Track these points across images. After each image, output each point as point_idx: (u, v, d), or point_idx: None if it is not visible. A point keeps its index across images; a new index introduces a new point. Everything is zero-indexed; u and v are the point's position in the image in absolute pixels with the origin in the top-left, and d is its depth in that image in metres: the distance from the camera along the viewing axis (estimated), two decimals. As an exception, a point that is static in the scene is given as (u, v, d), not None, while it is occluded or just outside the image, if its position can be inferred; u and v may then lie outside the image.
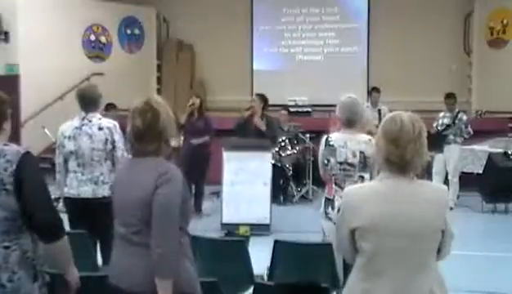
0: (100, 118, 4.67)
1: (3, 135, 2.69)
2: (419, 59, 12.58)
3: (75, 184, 4.63)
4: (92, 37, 12.89)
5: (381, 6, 12.93)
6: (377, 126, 2.74)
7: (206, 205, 8.36)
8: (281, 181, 9.29)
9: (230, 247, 4.17)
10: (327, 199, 4.33)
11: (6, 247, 2.51)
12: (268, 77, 13.32)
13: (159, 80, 13.94)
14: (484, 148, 9.64)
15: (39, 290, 2.58)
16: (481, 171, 9.11)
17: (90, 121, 4.63)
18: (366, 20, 13.26)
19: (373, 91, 10.00)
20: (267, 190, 7.43)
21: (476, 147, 9.62)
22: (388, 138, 2.35)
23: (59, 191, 4.82)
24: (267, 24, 13.70)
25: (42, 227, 2.54)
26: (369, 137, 4.20)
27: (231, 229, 7.11)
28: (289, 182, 9.54)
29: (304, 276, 3.74)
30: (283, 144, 9.48)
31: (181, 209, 2.60)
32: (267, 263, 4.04)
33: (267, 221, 7.31)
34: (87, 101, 4.66)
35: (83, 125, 4.63)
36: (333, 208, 4.21)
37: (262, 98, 8.44)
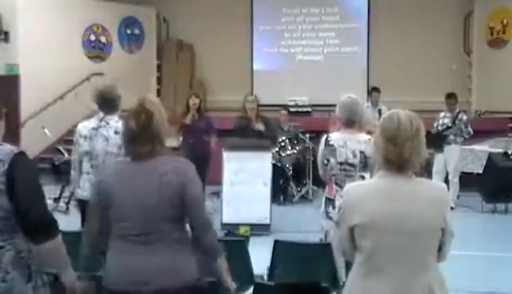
0: (117, 121, 4.51)
1: None
2: (419, 59, 12.58)
3: (88, 186, 4.53)
4: (92, 37, 12.89)
5: (381, 6, 12.94)
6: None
7: (206, 205, 8.35)
8: (281, 181, 9.29)
9: (230, 247, 4.16)
10: (328, 199, 4.33)
11: (0, 247, 2.50)
12: (268, 77, 13.33)
13: (159, 80, 13.95)
14: (484, 148, 9.64)
15: (33, 291, 2.56)
16: (481, 171, 9.11)
17: (107, 123, 4.55)
18: (366, 20, 13.26)
19: (373, 91, 10.01)
20: (267, 190, 7.43)
21: (476, 147, 9.62)
22: (385, 136, 2.36)
23: (72, 188, 4.79)
24: (267, 24, 13.70)
25: (34, 227, 2.52)
26: (369, 137, 4.20)
27: (231, 229, 7.11)
28: (289, 182, 9.54)
29: (304, 276, 3.74)
30: (283, 144, 9.48)
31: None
32: (267, 263, 4.04)
33: (267, 221, 7.31)
34: (106, 102, 4.56)
35: (100, 126, 4.57)
36: (333, 208, 4.22)
37: (256, 99, 8.48)
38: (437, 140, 8.54)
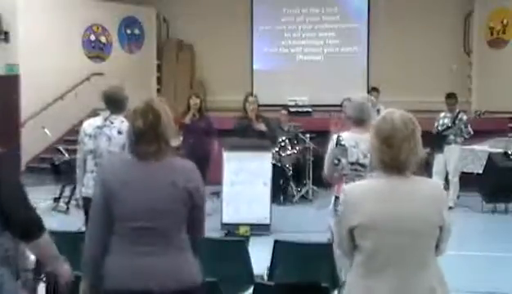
0: (122, 121, 4.51)
1: None
2: (419, 59, 12.58)
3: (92, 184, 4.53)
4: (92, 37, 12.90)
5: (381, 6, 12.94)
6: None
7: (206, 205, 8.35)
8: (281, 181, 9.29)
9: (230, 247, 4.17)
10: (337, 198, 4.31)
11: None
12: (268, 77, 13.34)
13: (159, 80, 13.96)
14: (484, 148, 9.64)
15: (21, 288, 2.57)
16: (481, 171, 9.11)
17: (112, 123, 4.57)
18: (366, 20, 13.27)
19: (372, 91, 10.00)
20: (267, 190, 7.43)
21: (476, 147, 9.62)
22: (380, 138, 2.35)
23: (78, 185, 4.81)
24: (267, 24, 13.71)
25: (20, 226, 2.52)
26: None
27: (231, 229, 7.10)
28: (289, 182, 9.53)
29: (304, 276, 3.74)
30: (283, 144, 9.48)
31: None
32: (267, 263, 4.04)
33: (267, 221, 7.30)
34: (112, 102, 4.59)
35: (104, 125, 4.58)
36: None
37: (257, 99, 8.47)
38: (437, 140, 8.54)
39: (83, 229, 4.74)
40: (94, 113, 4.84)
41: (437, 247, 2.40)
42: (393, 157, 2.32)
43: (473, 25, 12.64)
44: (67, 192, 8.52)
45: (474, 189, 8.90)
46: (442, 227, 2.37)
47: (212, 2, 13.42)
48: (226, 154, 7.61)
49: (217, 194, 8.07)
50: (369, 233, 2.34)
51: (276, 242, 4.07)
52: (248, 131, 8.15)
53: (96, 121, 4.65)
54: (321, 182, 8.91)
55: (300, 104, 12.53)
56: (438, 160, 8.65)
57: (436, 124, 8.74)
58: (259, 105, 8.46)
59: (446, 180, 8.62)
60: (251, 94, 9.01)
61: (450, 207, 8.24)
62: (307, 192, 9.63)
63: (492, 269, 6.06)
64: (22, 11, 11.56)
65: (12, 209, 2.50)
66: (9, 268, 2.53)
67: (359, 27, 13.32)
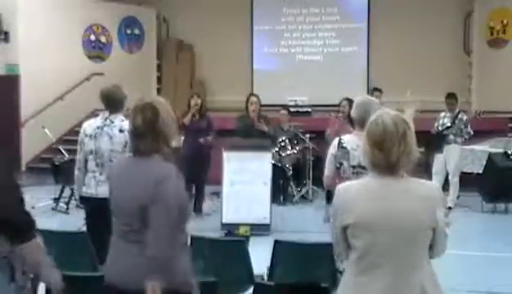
0: (122, 120, 4.56)
1: None
2: (419, 59, 12.58)
3: (93, 184, 4.60)
4: (92, 37, 12.90)
5: (381, 6, 12.94)
6: None
7: (206, 205, 8.36)
8: (281, 181, 9.29)
9: (230, 247, 4.17)
10: (329, 191, 4.28)
11: None
12: (268, 77, 13.34)
13: (159, 80, 13.95)
14: (484, 148, 9.64)
15: (19, 291, 2.55)
16: (481, 171, 9.11)
17: (112, 122, 4.59)
18: (366, 20, 13.27)
19: (374, 91, 9.94)
20: (267, 190, 7.43)
21: (476, 147, 9.62)
22: (371, 141, 2.36)
23: (77, 187, 4.81)
24: (267, 24, 13.71)
25: (11, 228, 2.51)
26: None
27: (231, 229, 7.10)
28: (289, 182, 9.53)
29: (304, 276, 3.74)
30: (283, 144, 9.48)
31: (179, 208, 2.61)
32: (267, 263, 4.04)
33: (267, 221, 7.30)
34: (111, 102, 4.60)
35: (104, 125, 4.60)
36: None
37: (259, 99, 8.48)
38: (437, 140, 8.53)
39: (83, 228, 4.76)
40: (94, 114, 4.84)
41: (431, 248, 2.40)
42: (384, 159, 2.33)
43: (473, 25, 12.65)
44: (67, 192, 8.52)
45: (474, 189, 8.90)
46: (436, 228, 2.36)
47: (212, 2, 13.42)
48: (226, 154, 7.61)
49: (217, 194, 8.08)
50: (360, 232, 2.35)
51: (276, 242, 4.07)
52: (250, 132, 8.16)
53: (96, 121, 4.66)
54: (321, 182, 8.94)
55: (300, 104, 12.53)
56: (438, 160, 8.64)
57: (436, 124, 8.74)
58: (261, 105, 8.46)
59: (446, 180, 8.62)
60: (253, 94, 9.01)
61: (450, 207, 8.29)
62: (307, 192, 9.63)
63: (492, 269, 6.06)
64: (22, 11, 11.56)
65: (6, 211, 2.48)
66: (3, 271, 2.52)
67: (359, 27, 13.32)
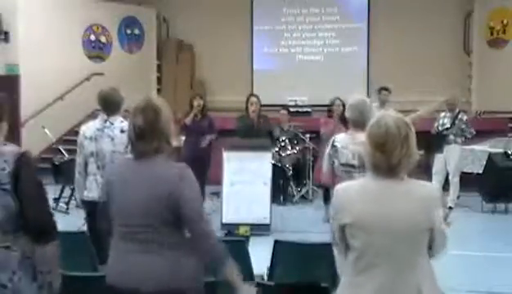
0: (122, 121, 4.58)
1: (0, 136, 2.69)
2: (419, 59, 12.58)
3: (95, 187, 4.56)
4: (92, 37, 12.90)
5: (381, 6, 12.94)
6: None
7: (206, 205, 8.36)
8: (281, 181, 9.29)
9: (230, 247, 4.16)
10: (327, 189, 4.33)
11: (7, 247, 2.51)
12: (268, 77, 13.34)
13: (159, 80, 13.95)
14: (484, 148, 9.63)
15: (38, 290, 2.58)
16: (481, 171, 9.10)
17: (112, 123, 4.59)
18: (366, 20, 13.27)
19: (382, 90, 9.80)
20: (267, 190, 7.43)
21: (476, 147, 9.62)
22: (373, 143, 2.36)
23: (77, 191, 4.79)
24: (267, 24, 13.71)
25: (38, 228, 2.54)
26: None
27: (231, 229, 7.11)
28: (289, 182, 9.54)
29: (304, 276, 3.74)
30: (283, 144, 9.48)
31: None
32: (267, 263, 4.04)
33: (267, 221, 7.31)
34: (109, 104, 4.62)
35: (105, 127, 4.59)
36: None
37: (259, 99, 8.49)
38: (437, 140, 8.53)
39: (84, 228, 4.75)
40: (94, 114, 4.84)
41: (430, 247, 2.40)
42: (386, 161, 2.33)
43: (473, 25, 12.64)
44: (67, 192, 8.52)
45: (474, 189, 8.90)
46: (433, 229, 2.36)
47: (212, 2, 13.42)
48: (226, 154, 7.62)
49: (217, 194, 8.08)
50: (357, 232, 2.36)
51: (276, 242, 4.07)
52: (250, 132, 8.16)
53: (96, 123, 4.65)
54: (317, 181, 8.96)
55: (300, 104, 12.54)
56: (438, 160, 8.63)
57: (436, 124, 8.73)
58: (261, 105, 8.47)
59: (447, 180, 8.62)
60: (253, 94, 9.01)
61: (450, 207, 8.28)
62: (307, 192, 9.63)
63: (492, 269, 6.06)
64: (22, 11, 11.56)
65: (33, 211, 2.51)
66: (26, 270, 2.54)
67: (359, 27, 13.32)
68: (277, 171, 8.74)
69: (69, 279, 2.80)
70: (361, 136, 4.24)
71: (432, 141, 8.34)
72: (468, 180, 8.95)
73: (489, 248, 6.74)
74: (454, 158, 8.62)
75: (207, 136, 8.10)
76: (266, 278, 4.01)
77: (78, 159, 4.71)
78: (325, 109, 9.27)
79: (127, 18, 13.39)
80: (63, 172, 8.40)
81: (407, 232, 2.32)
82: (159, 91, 13.53)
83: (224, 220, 7.32)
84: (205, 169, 8.13)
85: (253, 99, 8.47)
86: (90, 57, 12.83)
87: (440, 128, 8.69)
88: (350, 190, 2.45)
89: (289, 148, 9.53)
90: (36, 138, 10.86)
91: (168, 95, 12.94)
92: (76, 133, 5.37)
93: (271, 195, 7.48)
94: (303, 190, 9.64)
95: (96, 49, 12.93)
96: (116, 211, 2.70)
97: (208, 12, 13.32)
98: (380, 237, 2.32)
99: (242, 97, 9.00)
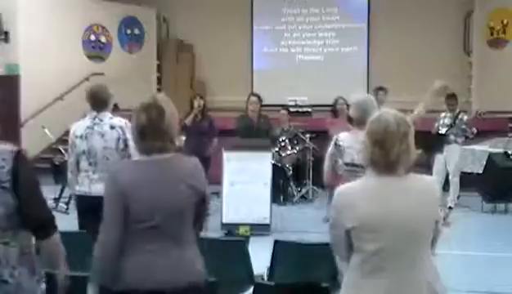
0: (111, 117, 4.67)
1: None
2: (419, 59, 12.58)
3: (87, 182, 4.63)
4: (92, 37, 12.90)
5: (381, 6, 12.94)
6: None
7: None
8: (281, 181, 9.29)
9: (230, 247, 4.16)
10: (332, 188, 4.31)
11: (6, 243, 2.53)
12: (268, 77, 13.34)
13: (159, 80, 13.95)
14: (484, 148, 9.64)
15: (38, 284, 2.61)
16: (481, 171, 9.10)
17: (101, 120, 4.64)
18: (366, 20, 13.27)
19: (379, 90, 9.81)
20: (267, 190, 7.43)
21: (476, 147, 9.62)
22: (372, 139, 2.36)
23: (70, 190, 4.83)
24: (267, 24, 13.71)
25: (35, 224, 2.59)
26: None
27: (231, 229, 7.11)
28: (289, 182, 9.54)
29: (304, 276, 3.74)
30: (283, 144, 9.48)
31: None
32: (267, 263, 4.04)
33: (267, 221, 7.31)
34: (98, 101, 4.68)
35: (94, 124, 4.64)
36: None
37: (260, 99, 8.47)
38: (437, 141, 8.53)
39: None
40: (83, 115, 4.89)
41: (432, 243, 2.42)
42: (384, 158, 2.33)
43: (473, 25, 12.64)
44: (67, 192, 8.52)
45: (474, 189, 8.90)
46: (438, 222, 2.38)
47: (212, 2, 13.42)
48: (226, 154, 7.62)
49: (217, 194, 8.08)
50: (365, 234, 2.34)
51: (276, 242, 4.06)
52: (249, 131, 8.16)
53: (85, 122, 4.71)
54: (321, 182, 8.95)
55: (300, 104, 12.54)
56: (438, 160, 8.64)
57: (436, 124, 8.73)
58: (262, 105, 8.46)
59: (447, 180, 8.62)
60: (253, 94, 9.01)
61: (450, 207, 8.29)
62: (307, 192, 9.64)
63: (492, 269, 6.06)
64: (22, 11, 11.56)
65: (29, 206, 2.54)
66: (26, 266, 2.57)
67: (359, 27, 13.32)
68: (277, 171, 8.75)
69: (69, 279, 2.80)
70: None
71: (432, 141, 8.34)
72: (468, 180, 8.95)
73: (489, 248, 6.74)
74: (454, 158, 8.63)
75: (214, 140, 8.13)
76: (266, 278, 4.00)
77: (70, 159, 4.76)
78: (325, 108, 9.28)
79: (127, 18, 13.39)
80: (63, 172, 8.35)
81: (414, 227, 2.32)
82: (159, 91, 13.51)
83: (224, 220, 7.32)
84: (206, 169, 8.11)
85: (253, 98, 8.47)
86: (90, 57, 12.83)
87: (440, 128, 8.70)
88: (352, 192, 2.43)
89: (289, 148, 9.53)
90: (36, 138, 10.87)
91: (168, 96, 12.92)
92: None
93: (271, 195, 7.48)
94: (303, 190, 9.64)
95: (96, 49, 12.93)
96: (135, 213, 2.59)
97: (208, 12, 13.32)
98: (389, 236, 2.31)
99: (242, 97, 9.00)
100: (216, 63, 13.45)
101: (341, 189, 2.48)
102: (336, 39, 13.50)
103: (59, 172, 8.65)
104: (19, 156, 2.56)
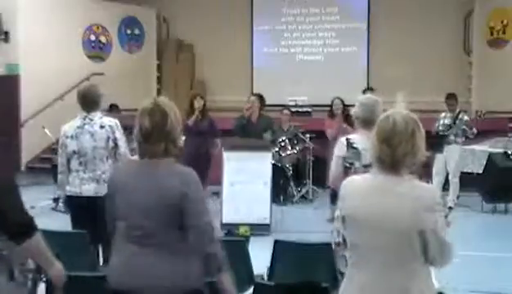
0: (101, 117, 4.70)
1: None
2: (419, 59, 12.58)
3: (77, 183, 4.66)
4: (92, 37, 12.90)
5: (381, 6, 12.94)
6: None
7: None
8: (281, 181, 9.29)
9: (230, 247, 4.16)
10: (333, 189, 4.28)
11: None
12: (268, 77, 13.34)
13: (159, 80, 13.96)
14: (484, 148, 9.63)
15: (17, 289, 2.57)
16: (481, 171, 9.10)
17: (91, 120, 4.66)
18: (366, 20, 13.28)
19: (368, 92, 9.85)
20: (267, 190, 7.43)
21: (476, 147, 9.62)
22: (380, 136, 2.38)
23: (61, 191, 4.82)
24: (267, 24, 13.71)
25: (13, 228, 2.54)
26: None
27: (231, 229, 7.10)
28: (289, 182, 9.54)
29: (304, 276, 3.73)
30: (283, 144, 9.47)
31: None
32: (267, 263, 4.04)
33: (267, 221, 7.30)
34: (89, 101, 4.69)
35: (84, 124, 4.66)
36: None
37: (260, 98, 8.46)
38: (437, 141, 8.54)
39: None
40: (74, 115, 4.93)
41: (425, 253, 2.34)
42: (390, 155, 2.34)
43: (473, 25, 12.64)
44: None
45: (474, 189, 8.90)
46: (424, 232, 2.31)
47: (212, 2, 13.42)
48: (226, 154, 7.62)
49: (217, 194, 8.08)
50: (350, 225, 2.42)
51: (276, 242, 4.06)
52: (245, 130, 8.15)
53: (76, 122, 4.72)
54: (321, 182, 8.95)
55: (300, 104, 12.54)
56: (438, 160, 8.64)
57: (436, 124, 8.74)
58: (263, 105, 8.45)
59: (447, 180, 8.62)
60: (253, 94, 9.01)
61: (450, 207, 8.28)
62: (307, 192, 9.63)
63: (492, 269, 6.06)
64: (22, 11, 11.56)
65: (5, 210, 2.51)
66: (2, 269, 2.54)
67: (359, 27, 13.32)
68: (277, 171, 8.74)
69: (69, 279, 2.79)
70: None
71: (432, 141, 8.34)
72: (468, 180, 8.95)
73: (489, 248, 6.74)
74: (454, 158, 8.63)
75: (217, 141, 8.12)
76: (266, 278, 4.00)
77: (61, 159, 4.76)
78: (325, 109, 9.28)
79: (127, 18, 13.40)
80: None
81: (395, 231, 2.32)
82: (159, 91, 13.54)
83: (224, 220, 7.32)
84: (206, 170, 8.11)
85: (251, 98, 8.49)
86: (90, 57, 12.83)
87: (440, 128, 8.70)
88: (353, 184, 2.50)
89: (289, 148, 9.52)
90: (36, 138, 10.87)
91: (168, 96, 12.92)
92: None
93: (271, 195, 7.47)
94: (303, 190, 9.64)
95: (96, 49, 12.94)
96: (120, 214, 2.68)
97: (208, 12, 13.33)
98: (370, 233, 2.35)
99: (242, 97, 9.01)
100: (216, 63, 13.46)
101: (347, 180, 2.56)
102: (336, 39, 13.50)
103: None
104: None
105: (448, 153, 8.62)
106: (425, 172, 7.94)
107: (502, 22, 12.01)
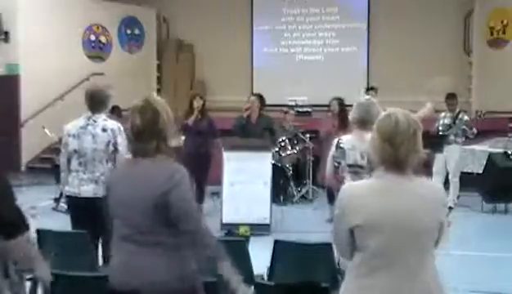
0: (105, 119, 4.68)
1: None
2: (419, 59, 12.58)
3: (76, 183, 4.67)
4: (92, 37, 12.91)
5: (381, 6, 12.95)
6: None
7: (206, 205, 8.36)
8: (281, 181, 9.29)
9: (230, 247, 4.16)
10: (329, 189, 4.33)
11: None
12: (268, 77, 13.34)
13: (159, 80, 13.96)
14: (484, 148, 9.63)
15: (10, 287, 2.57)
16: (481, 171, 9.10)
17: (95, 121, 4.66)
18: (366, 20, 13.28)
19: (370, 91, 9.91)
20: (267, 190, 7.42)
21: (476, 147, 9.62)
22: (382, 136, 2.36)
23: (62, 189, 4.85)
24: (267, 24, 13.72)
25: (5, 225, 2.56)
26: None
27: (231, 229, 7.10)
28: (289, 182, 9.53)
29: (304, 276, 3.73)
30: (283, 144, 9.47)
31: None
32: (267, 263, 4.04)
33: (267, 221, 7.30)
34: (96, 102, 4.69)
35: (88, 125, 4.66)
36: None
37: (260, 98, 8.46)
38: (437, 140, 8.53)
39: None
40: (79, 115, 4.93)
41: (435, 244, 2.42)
42: (394, 155, 2.33)
43: (473, 25, 12.65)
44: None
45: (474, 189, 8.90)
46: (442, 225, 2.38)
47: (212, 2, 13.42)
48: (226, 154, 7.61)
49: (217, 194, 8.07)
50: (370, 232, 2.33)
51: (276, 242, 4.06)
52: (244, 130, 8.15)
53: (80, 121, 4.72)
54: (321, 182, 8.96)
55: (300, 104, 12.54)
56: (438, 160, 8.65)
57: (436, 124, 8.74)
58: (263, 105, 8.45)
59: (447, 179, 8.62)
60: (253, 94, 9.00)
61: (450, 207, 8.26)
62: (307, 192, 9.63)
63: (492, 269, 6.06)
64: (22, 11, 11.57)
65: (1, 209, 2.52)
66: None
67: (359, 27, 13.33)
68: (277, 171, 8.74)
69: (69, 279, 2.79)
70: (369, 136, 4.25)
71: (432, 141, 8.34)
72: (468, 180, 8.95)
73: (489, 248, 6.73)
74: (454, 158, 8.64)
75: (217, 141, 8.12)
76: (266, 278, 4.01)
77: (62, 159, 4.79)
78: (325, 109, 9.28)
79: (127, 18, 13.40)
80: (63, 172, 8.39)
81: (418, 230, 2.32)
82: (159, 91, 13.52)
83: (224, 220, 7.31)
84: (206, 169, 8.11)
85: (251, 98, 8.49)
86: (90, 57, 12.84)
87: (440, 128, 8.70)
88: (358, 190, 2.43)
89: (289, 148, 9.52)
90: (36, 138, 10.87)
91: (168, 95, 12.87)
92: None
93: (271, 195, 7.47)
94: (303, 190, 9.64)
95: (96, 49, 12.94)
96: (112, 211, 2.70)
97: (208, 12, 13.33)
98: (392, 235, 2.31)
99: (242, 97, 9.01)
100: (216, 63, 13.46)
101: (347, 187, 2.49)
102: (336, 39, 13.51)
103: (59, 172, 8.62)
104: None
105: (448, 153, 8.62)
106: (425, 172, 7.94)
107: (502, 22, 12.02)
